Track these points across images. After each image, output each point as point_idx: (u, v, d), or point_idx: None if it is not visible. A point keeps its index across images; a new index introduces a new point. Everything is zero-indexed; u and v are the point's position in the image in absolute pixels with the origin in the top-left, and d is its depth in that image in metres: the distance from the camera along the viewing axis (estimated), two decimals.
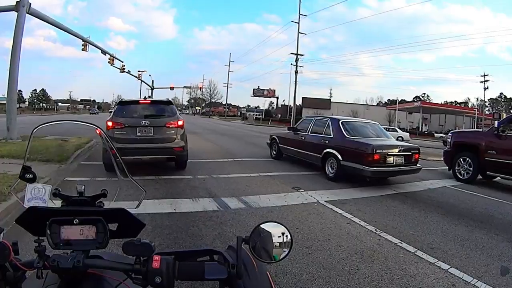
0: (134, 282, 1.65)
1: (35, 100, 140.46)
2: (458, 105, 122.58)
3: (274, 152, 18.27)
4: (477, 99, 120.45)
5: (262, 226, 1.94)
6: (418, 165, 13.24)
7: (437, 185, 13.59)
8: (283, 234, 1.93)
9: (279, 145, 17.68)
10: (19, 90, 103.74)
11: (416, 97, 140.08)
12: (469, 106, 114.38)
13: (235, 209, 8.85)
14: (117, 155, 2.28)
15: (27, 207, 1.86)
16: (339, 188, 11.76)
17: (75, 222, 1.75)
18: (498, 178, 14.27)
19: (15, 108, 21.91)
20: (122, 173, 2.28)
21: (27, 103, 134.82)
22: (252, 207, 9.09)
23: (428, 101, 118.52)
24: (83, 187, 1.91)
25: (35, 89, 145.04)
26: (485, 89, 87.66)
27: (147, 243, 1.66)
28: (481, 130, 19.98)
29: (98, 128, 2.20)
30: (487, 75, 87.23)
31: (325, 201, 9.99)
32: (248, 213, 8.56)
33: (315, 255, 6.32)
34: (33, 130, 2.21)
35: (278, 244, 1.92)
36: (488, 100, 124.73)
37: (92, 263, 1.65)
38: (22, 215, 1.81)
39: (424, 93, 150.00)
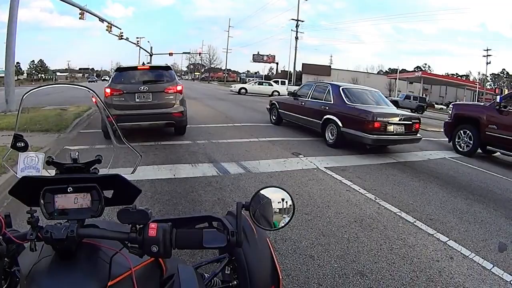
0: (130, 251, 1.61)
1: (33, 71, 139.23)
2: (459, 77, 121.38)
3: (274, 118, 18.18)
4: (479, 73, 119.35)
5: (262, 191, 1.88)
6: (418, 135, 13.16)
7: (437, 156, 13.53)
8: (283, 200, 1.88)
9: (279, 110, 17.57)
10: (17, 62, 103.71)
11: (417, 67, 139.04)
12: (471, 80, 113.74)
13: (234, 175, 8.88)
14: (113, 122, 2.22)
15: (20, 176, 1.81)
16: (339, 155, 11.75)
17: (69, 191, 1.70)
18: (498, 153, 14.18)
19: (13, 81, 21.83)
20: (119, 140, 2.23)
21: (25, 74, 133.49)
22: (252, 172, 9.11)
23: (429, 71, 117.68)
24: (77, 154, 1.86)
25: (33, 61, 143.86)
26: (487, 63, 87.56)
27: (143, 210, 1.61)
28: (482, 104, 19.86)
29: (94, 95, 2.13)
30: (489, 49, 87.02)
31: (324, 167, 10.00)
32: (247, 178, 8.59)
33: (314, 221, 6.36)
34: (23, 97, 2.16)
35: (278, 210, 1.87)
36: (490, 75, 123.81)
37: (86, 233, 1.61)
38: (15, 185, 1.78)
39: (426, 64, 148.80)
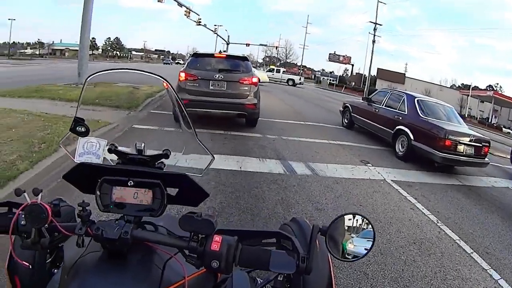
0: (187, 260, 1.51)
1: (109, 48, 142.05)
2: None
3: (346, 121, 17.93)
4: None
5: (345, 217, 1.68)
6: (486, 159, 12.57)
7: (501, 185, 12.83)
8: (364, 230, 1.69)
9: (352, 114, 17.30)
10: (93, 38, 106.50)
11: (489, 85, 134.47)
12: None
13: (301, 175, 8.81)
14: (183, 109, 2.01)
15: (77, 162, 1.75)
16: (406, 169, 11.48)
17: (129, 184, 1.63)
18: None
19: (87, 54, 22.33)
20: (187, 125, 2.03)
21: (100, 50, 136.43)
22: (319, 175, 9.01)
23: (500, 92, 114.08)
24: (142, 145, 1.78)
25: (109, 38, 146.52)
26: None
27: (209, 220, 1.48)
28: None
29: (165, 82, 1.96)
30: None
31: (391, 180, 9.78)
32: (313, 181, 8.50)
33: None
34: (87, 78, 2.05)
35: (358, 240, 1.68)
36: None
37: (142, 236, 1.53)
38: (71, 170, 1.72)
39: (497, 83, 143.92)
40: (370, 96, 16.98)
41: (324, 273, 2.28)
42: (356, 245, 1.68)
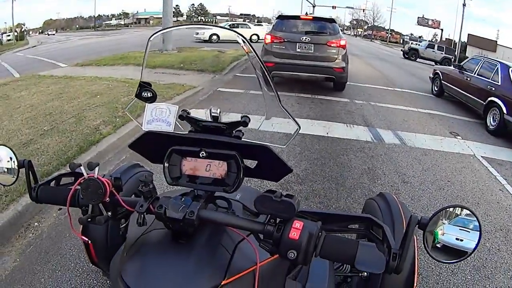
0: (261, 245, 1.37)
1: (193, 14, 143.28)
2: None
3: (436, 88, 17.36)
4: None
5: (449, 210, 1.39)
6: None
7: None
8: (467, 226, 1.38)
9: (442, 81, 16.67)
10: (176, 5, 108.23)
11: None
12: None
13: (389, 144, 8.68)
14: (266, 73, 1.70)
15: (145, 130, 1.66)
16: (498, 145, 10.89)
17: (201, 155, 1.54)
18: None
19: (171, 21, 22.72)
20: (269, 89, 1.72)
21: (185, 16, 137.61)
22: (407, 145, 8.84)
23: None
24: (218, 110, 1.67)
25: (193, 4, 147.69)
26: None
27: (289, 202, 1.31)
28: None
29: (246, 42, 1.67)
30: None
31: (481, 156, 9.36)
32: (402, 152, 8.35)
33: None
34: (150, 38, 1.88)
35: (461, 240, 1.38)
36: None
37: (209, 217, 1.42)
38: (138, 139, 1.67)
39: None
40: (462, 64, 16.24)
41: (409, 273, 2.15)
42: (458, 243, 1.40)
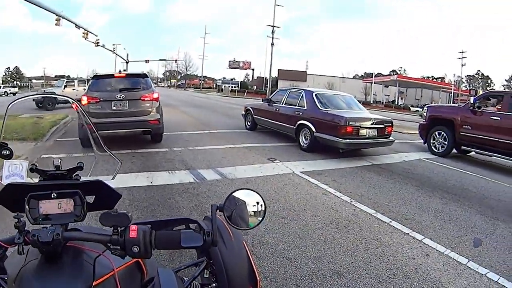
0: (113, 252, 1.67)
1: (9, 78, 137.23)
2: (435, 80, 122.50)
3: (249, 123, 18.35)
4: (454, 75, 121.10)
5: (235, 193, 2.03)
6: (391, 138, 13.40)
7: (412, 158, 13.79)
8: (257, 203, 2.03)
9: (254, 116, 17.72)
10: None
11: (393, 70, 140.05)
12: (446, 82, 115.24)
13: (211, 181, 8.94)
14: (94, 129, 2.28)
15: (5, 184, 1.86)
16: (313, 160, 11.87)
17: (52, 196, 1.76)
18: (473, 152, 14.54)
19: None
20: (99, 147, 2.27)
21: (0, 81, 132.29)
22: (228, 178, 9.19)
23: (405, 74, 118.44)
24: (59, 161, 1.93)
25: (8, 67, 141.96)
26: (462, 65, 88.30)
27: (124, 213, 1.68)
28: (457, 105, 20.23)
29: (75, 103, 2.17)
30: (465, 51, 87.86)
31: (300, 172, 10.12)
32: (224, 185, 8.66)
33: (291, 225, 6.44)
34: (9, 106, 2.19)
35: (253, 213, 2.02)
36: (465, 76, 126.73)
37: (71, 235, 1.68)
38: (0, 192, 1.83)
39: (401, 67, 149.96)
40: (269, 97, 17.43)
41: (239, 248, 2.58)
42: (255, 217, 2.03)
